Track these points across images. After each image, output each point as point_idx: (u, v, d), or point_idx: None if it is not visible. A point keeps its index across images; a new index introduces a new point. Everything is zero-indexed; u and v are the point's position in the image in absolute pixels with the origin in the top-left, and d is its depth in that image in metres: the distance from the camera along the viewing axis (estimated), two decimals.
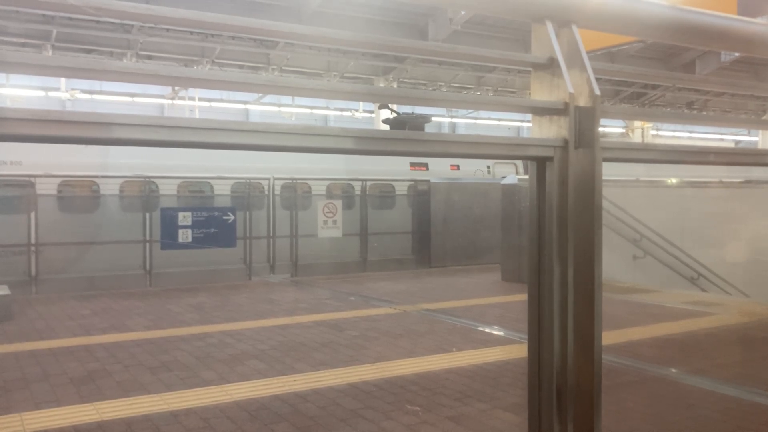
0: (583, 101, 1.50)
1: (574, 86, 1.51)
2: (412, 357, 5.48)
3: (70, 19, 17.57)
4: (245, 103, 27.00)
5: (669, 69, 23.99)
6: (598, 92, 1.49)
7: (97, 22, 18.05)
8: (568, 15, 1.70)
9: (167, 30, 18.64)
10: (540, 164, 1.53)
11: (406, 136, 1.60)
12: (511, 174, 16.97)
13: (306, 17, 18.38)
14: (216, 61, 19.93)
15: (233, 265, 10.64)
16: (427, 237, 12.59)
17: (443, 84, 23.92)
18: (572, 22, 1.69)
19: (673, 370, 5.14)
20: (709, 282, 11.15)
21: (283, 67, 21.13)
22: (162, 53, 19.63)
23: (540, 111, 1.57)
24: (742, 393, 4.54)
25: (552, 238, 1.48)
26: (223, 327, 6.67)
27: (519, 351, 5.73)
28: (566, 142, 1.50)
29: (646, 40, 10.83)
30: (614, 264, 10.48)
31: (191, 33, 18.88)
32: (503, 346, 5.95)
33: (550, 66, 1.57)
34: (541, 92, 1.58)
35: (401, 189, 13.70)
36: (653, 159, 1.86)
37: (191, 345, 5.87)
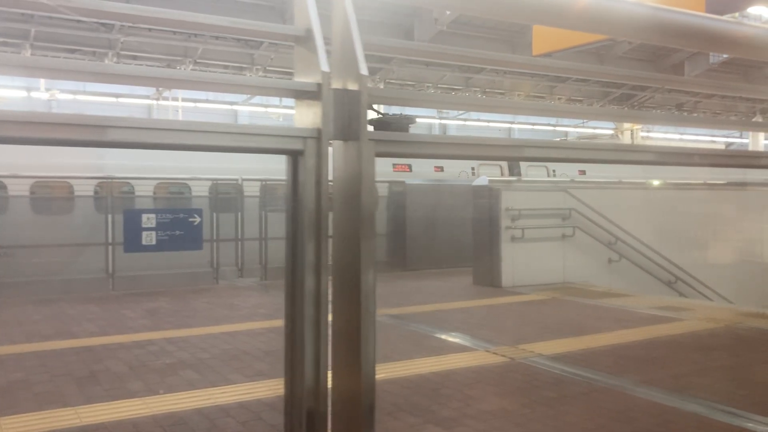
0: (345, 83, 1.27)
1: (336, 65, 1.28)
2: None
3: (50, 18, 17.34)
4: (232, 104, 26.74)
5: (658, 71, 23.80)
6: (365, 72, 1.26)
7: (78, 21, 17.81)
8: None
9: (149, 30, 18.41)
10: (293, 159, 1.31)
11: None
12: (497, 176, 16.79)
13: (289, 17, 18.20)
14: (199, 61, 19.72)
15: (200, 268, 10.43)
16: (403, 239, 12.38)
17: (430, 84, 23.70)
18: None
19: (625, 381, 4.93)
20: (687, 285, 10.98)
21: (267, 68, 20.93)
22: (144, 53, 19.41)
23: (293, 94, 1.34)
24: (689, 405, 4.33)
25: (304, 246, 1.27)
26: (170, 333, 6.46)
27: (470, 359, 5.53)
28: (320, 132, 1.27)
29: (616, 38, 10.64)
30: (589, 267, 10.31)
31: (174, 33, 18.65)
32: (455, 354, 5.74)
33: (308, 40, 1.34)
34: (300, 72, 1.36)
35: (382, 191, 13.47)
36: (443, 154, 1.63)
37: (130, 353, 5.66)
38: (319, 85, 1.26)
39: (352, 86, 1.26)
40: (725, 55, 21.80)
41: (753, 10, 11.66)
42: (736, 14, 12.40)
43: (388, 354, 5.70)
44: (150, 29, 18.14)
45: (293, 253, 1.33)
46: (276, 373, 5.03)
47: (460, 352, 5.81)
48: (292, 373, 1.40)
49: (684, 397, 4.49)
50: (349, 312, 1.31)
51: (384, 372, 5.11)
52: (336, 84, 1.28)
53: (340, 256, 1.32)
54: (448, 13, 18.61)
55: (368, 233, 1.27)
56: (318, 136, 1.28)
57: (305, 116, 1.31)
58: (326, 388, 1.39)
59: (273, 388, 4.66)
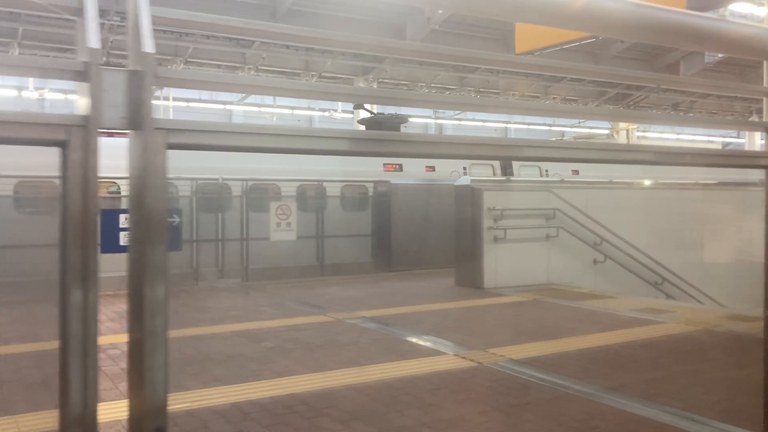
0: (131, 63, 1.13)
1: (129, 43, 1.15)
2: (319, 372, 5.13)
3: (38, 16, 17.22)
4: (225, 103, 26.57)
5: (653, 70, 23.61)
6: (149, 49, 1.12)
7: (66, 20, 17.65)
8: None
9: None
10: (62, 153, 1.16)
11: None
12: (488, 175, 16.60)
13: (280, 15, 18.06)
14: (189, 60, 19.59)
15: (180, 269, 10.28)
16: (388, 240, 12.24)
17: (424, 84, 23.54)
18: None
19: (592, 387, 4.79)
20: (674, 286, 10.83)
21: (259, 67, 20.79)
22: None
23: (62, 74, 1.19)
24: (654, 412, 4.18)
25: (70, 253, 1.13)
26: None
27: (438, 364, 5.38)
28: (88, 119, 1.12)
29: (599, 36, 10.49)
30: (573, 268, 10.16)
31: (164, 32, 18.50)
32: (423, 358, 5.59)
33: (82, 12, 1.20)
34: (79, 50, 1.23)
35: (367, 191, 13.32)
36: (253, 147, 1.47)
37: None
38: (87, 63, 1.12)
39: (133, 66, 1.13)
40: (720, 55, 21.63)
41: (734, 6, 11.53)
42: (726, 13, 12.26)
43: (354, 359, 5.56)
44: None
45: (64, 264, 1.18)
46: (234, 379, 4.90)
47: (429, 356, 5.66)
48: (64, 398, 1.26)
49: (651, 405, 4.34)
50: (139, 331, 1.17)
51: (346, 378, 4.97)
52: (131, 65, 1.14)
53: (133, 266, 1.18)
54: (440, 12, 18.47)
55: (155, 239, 1.13)
56: (85, 124, 1.13)
57: (80, 102, 1.18)
58: (95, 415, 1.25)
59: (226, 394, 4.52)
